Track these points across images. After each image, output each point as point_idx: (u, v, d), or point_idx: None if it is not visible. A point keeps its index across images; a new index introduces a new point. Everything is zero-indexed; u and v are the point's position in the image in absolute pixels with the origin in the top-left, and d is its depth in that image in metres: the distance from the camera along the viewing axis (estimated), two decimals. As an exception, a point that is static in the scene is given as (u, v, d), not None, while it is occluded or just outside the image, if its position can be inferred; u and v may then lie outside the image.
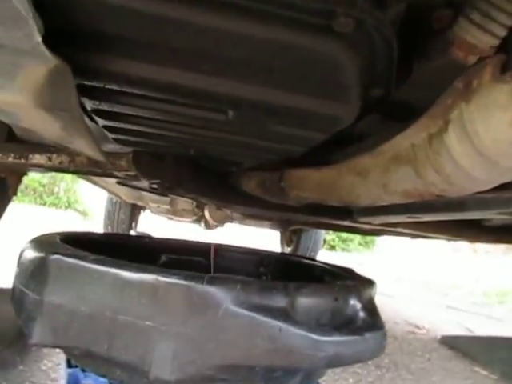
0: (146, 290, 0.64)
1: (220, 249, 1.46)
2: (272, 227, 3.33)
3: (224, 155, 0.83)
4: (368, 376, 1.68)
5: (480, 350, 2.06)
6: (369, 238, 8.30)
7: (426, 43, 0.56)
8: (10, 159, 0.86)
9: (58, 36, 0.38)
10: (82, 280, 0.67)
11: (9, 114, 0.48)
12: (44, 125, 0.51)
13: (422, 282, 4.82)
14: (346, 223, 1.44)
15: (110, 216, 3.65)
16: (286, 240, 4.35)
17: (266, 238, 4.24)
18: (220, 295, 0.63)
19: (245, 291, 0.65)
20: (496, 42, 0.42)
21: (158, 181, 1.06)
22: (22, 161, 0.88)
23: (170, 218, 3.64)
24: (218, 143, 0.72)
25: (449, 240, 1.61)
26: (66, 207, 8.18)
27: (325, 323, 0.74)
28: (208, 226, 3.22)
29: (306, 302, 0.71)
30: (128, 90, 0.49)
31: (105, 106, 0.56)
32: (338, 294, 0.77)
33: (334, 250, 7.79)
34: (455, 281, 5.16)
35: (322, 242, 4.21)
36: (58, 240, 0.87)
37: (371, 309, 0.81)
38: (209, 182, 1.12)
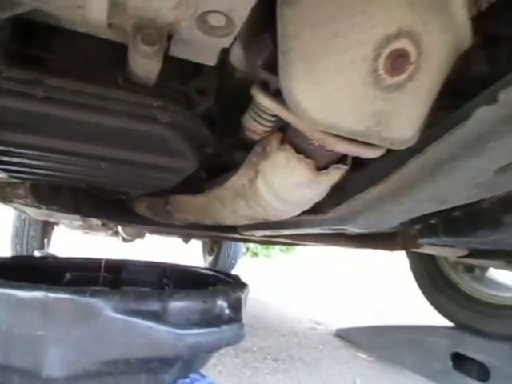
0: (37, 306, 0.78)
1: (124, 264, 1.59)
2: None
3: (112, 187, 0.99)
4: (265, 369, 1.89)
5: (364, 338, 2.43)
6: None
7: None
8: None
9: None
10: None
11: None
12: None
13: (332, 282, 5.26)
14: (237, 236, 1.67)
15: (18, 234, 3.47)
16: (207, 250, 4.60)
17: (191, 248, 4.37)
18: (100, 304, 0.79)
19: (123, 300, 0.82)
20: (268, 129, 0.66)
21: (55, 207, 1.18)
22: None
23: (86, 233, 3.63)
24: (102, 181, 0.89)
25: (325, 246, 1.91)
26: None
27: (196, 321, 0.93)
28: (125, 240, 3.32)
29: (178, 305, 0.90)
30: (22, 150, 0.65)
31: (4, 158, 0.71)
32: (207, 298, 0.97)
33: (257, 256, 8.16)
34: (361, 278, 5.73)
35: (241, 251, 4.50)
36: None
37: (236, 307, 1.02)
38: (106, 206, 1.27)
